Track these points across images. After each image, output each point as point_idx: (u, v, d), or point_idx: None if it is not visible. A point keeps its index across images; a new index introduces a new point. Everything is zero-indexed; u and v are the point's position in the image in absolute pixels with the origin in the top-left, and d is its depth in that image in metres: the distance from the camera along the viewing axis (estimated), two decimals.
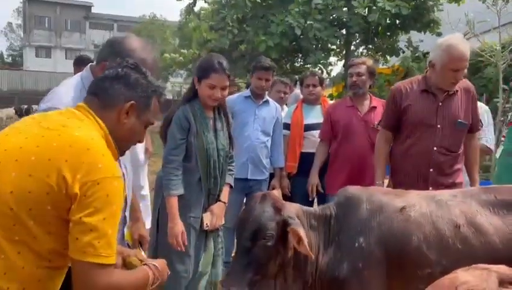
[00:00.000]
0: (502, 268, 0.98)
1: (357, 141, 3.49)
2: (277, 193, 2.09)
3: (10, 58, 48.17)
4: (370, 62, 3.59)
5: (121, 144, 1.45)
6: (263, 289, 1.87)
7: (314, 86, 3.92)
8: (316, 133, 3.82)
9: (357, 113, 3.53)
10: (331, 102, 4.12)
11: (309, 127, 3.87)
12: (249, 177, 3.53)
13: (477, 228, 1.82)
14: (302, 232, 1.73)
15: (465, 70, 2.75)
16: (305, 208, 1.99)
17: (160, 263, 1.53)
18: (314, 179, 3.63)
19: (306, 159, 3.83)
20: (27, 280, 1.26)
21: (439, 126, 2.75)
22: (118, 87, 1.42)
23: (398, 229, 1.83)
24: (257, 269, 1.75)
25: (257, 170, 3.60)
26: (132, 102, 1.42)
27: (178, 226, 2.34)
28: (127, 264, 1.51)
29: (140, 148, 3.61)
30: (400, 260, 1.81)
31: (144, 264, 1.49)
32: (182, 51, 16.29)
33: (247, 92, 3.74)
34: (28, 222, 1.22)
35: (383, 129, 3.00)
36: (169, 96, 27.32)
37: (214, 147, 2.47)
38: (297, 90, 8.06)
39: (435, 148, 2.74)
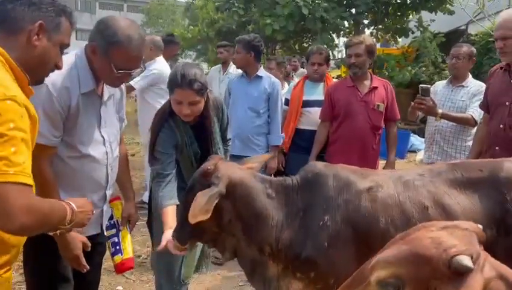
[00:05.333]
0: (472, 226, 0.97)
1: (357, 122, 3.43)
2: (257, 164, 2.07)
3: None
4: (369, 40, 3.48)
5: (37, 70, 1.41)
6: (219, 247, 1.91)
7: (320, 64, 3.88)
8: (314, 110, 3.79)
9: (357, 93, 3.46)
10: (335, 80, 4.06)
11: (308, 104, 3.85)
12: (235, 154, 3.42)
13: (445, 209, 1.76)
14: (201, 198, 1.66)
15: None
16: (261, 176, 1.94)
17: (79, 201, 1.50)
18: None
19: (302, 136, 3.83)
20: None
21: (507, 103, 2.67)
22: (21, 9, 1.36)
23: (365, 210, 1.77)
24: (193, 225, 1.74)
25: (246, 147, 3.63)
26: (40, 22, 1.37)
27: (165, 233, 2.07)
28: None
29: None
30: (368, 241, 1.74)
31: (61, 200, 1.48)
32: (191, 27, 16.12)
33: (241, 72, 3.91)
34: None
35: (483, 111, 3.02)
36: None
37: (199, 156, 2.33)
38: (303, 70, 8.07)
39: (501, 126, 2.67)
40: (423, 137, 8.97)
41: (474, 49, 3.69)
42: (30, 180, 1.23)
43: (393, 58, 10.29)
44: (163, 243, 1.98)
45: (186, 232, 1.85)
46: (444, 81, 3.80)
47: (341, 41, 13.01)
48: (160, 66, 4.51)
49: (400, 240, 1.00)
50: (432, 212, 1.76)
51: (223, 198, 1.74)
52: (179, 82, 2.14)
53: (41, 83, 1.52)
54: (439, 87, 3.73)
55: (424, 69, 9.64)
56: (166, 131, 2.26)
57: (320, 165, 1.94)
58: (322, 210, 1.78)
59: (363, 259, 1.72)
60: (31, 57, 1.38)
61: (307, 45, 12.75)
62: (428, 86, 3.37)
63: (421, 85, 3.30)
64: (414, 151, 8.28)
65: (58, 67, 1.50)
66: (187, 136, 2.31)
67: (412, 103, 3.28)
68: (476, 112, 3.33)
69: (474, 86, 3.51)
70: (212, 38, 13.68)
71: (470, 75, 3.64)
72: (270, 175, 3.85)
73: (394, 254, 0.96)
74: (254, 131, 3.74)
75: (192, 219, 1.65)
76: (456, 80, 3.62)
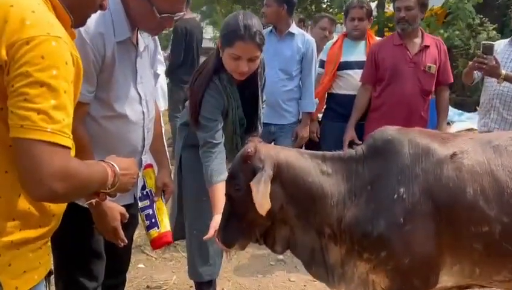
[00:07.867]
0: None
1: (405, 86, 3.06)
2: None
3: None
4: None
5: (82, 9, 1.24)
6: (269, 241, 1.72)
7: (361, 19, 3.41)
8: (354, 72, 3.38)
9: (406, 53, 3.07)
10: (378, 39, 3.60)
11: (346, 65, 3.42)
12: (265, 121, 3.09)
13: None
14: (256, 187, 1.49)
15: None
16: (310, 152, 1.70)
17: (123, 162, 1.29)
18: (350, 131, 3.26)
19: (339, 101, 3.45)
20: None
21: None
22: None
23: (449, 180, 1.55)
24: (240, 217, 1.64)
25: (275, 114, 3.25)
26: None
27: (214, 220, 1.88)
28: None
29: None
30: (451, 215, 1.52)
31: (101, 161, 1.26)
32: None
33: (269, 28, 3.41)
34: None
35: None
36: None
37: (243, 122, 2.12)
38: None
39: None
40: (454, 108, 8.50)
41: None
42: (69, 142, 1.05)
43: (424, 21, 9.66)
44: (211, 231, 1.79)
45: (233, 231, 1.67)
46: (506, 40, 3.32)
47: None
48: None
49: None
50: None
51: (270, 182, 1.55)
52: (241, 34, 1.87)
53: (83, 25, 1.32)
54: (500, 46, 3.26)
55: (457, 32, 9.01)
56: (212, 93, 1.99)
57: (392, 131, 1.67)
58: (397, 181, 1.56)
59: (443, 236, 1.50)
60: None
61: (324, 6, 12.16)
62: (492, 42, 2.93)
63: (483, 42, 2.87)
64: (448, 123, 7.84)
65: (103, 7, 1.30)
66: (233, 99, 2.03)
67: (470, 63, 2.86)
68: None
69: None
70: None
71: None
72: (302, 145, 3.48)
73: None
74: (285, 96, 3.32)
75: (262, 209, 1.49)
76: None
